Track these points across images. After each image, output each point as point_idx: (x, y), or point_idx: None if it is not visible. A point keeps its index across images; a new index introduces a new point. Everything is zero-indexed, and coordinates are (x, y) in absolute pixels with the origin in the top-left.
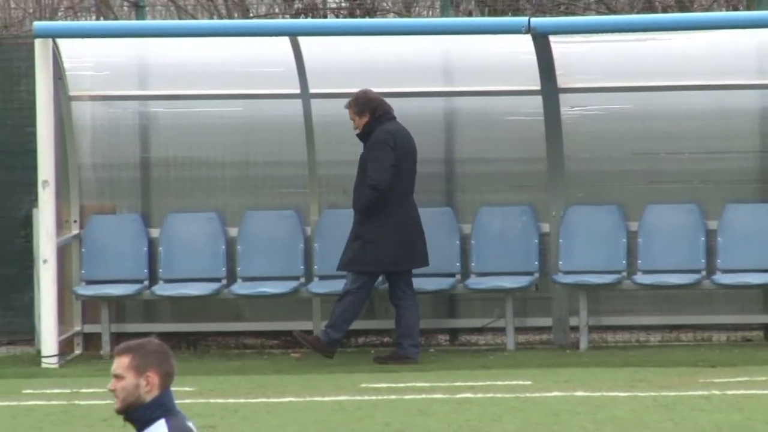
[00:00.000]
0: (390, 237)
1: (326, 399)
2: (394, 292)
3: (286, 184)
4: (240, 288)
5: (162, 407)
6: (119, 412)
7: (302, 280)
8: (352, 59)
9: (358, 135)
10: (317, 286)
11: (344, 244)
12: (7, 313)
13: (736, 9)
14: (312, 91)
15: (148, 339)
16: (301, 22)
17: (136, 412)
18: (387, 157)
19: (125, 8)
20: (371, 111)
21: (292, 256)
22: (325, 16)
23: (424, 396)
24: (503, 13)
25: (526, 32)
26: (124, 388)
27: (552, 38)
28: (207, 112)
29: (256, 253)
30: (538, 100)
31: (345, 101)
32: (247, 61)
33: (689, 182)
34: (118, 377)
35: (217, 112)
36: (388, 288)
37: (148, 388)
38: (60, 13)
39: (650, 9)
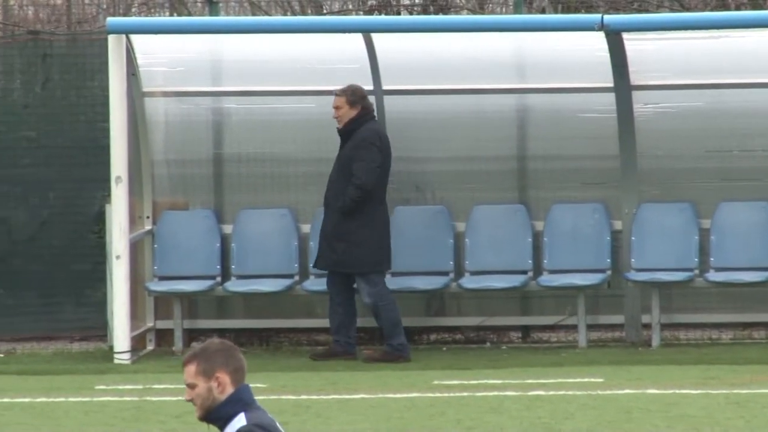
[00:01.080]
0: (379, 237)
1: (398, 396)
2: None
3: None
4: (312, 284)
5: (240, 402)
6: (201, 419)
7: None
8: (425, 56)
9: (339, 130)
10: (390, 283)
11: (420, 240)
12: (80, 309)
13: None
14: (385, 87)
15: (210, 340)
16: (375, 18)
17: (215, 413)
18: (374, 158)
19: (199, 4)
20: (362, 107)
21: None
22: (398, 13)
23: (495, 393)
24: (576, 11)
25: (599, 29)
26: (199, 395)
27: (625, 35)
28: (280, 109)
29: None
30: (611, 97)
31: (417, 98)
32: (321, 58)
33: (762, 180)
34: (190, 386)
35: (289, 109)
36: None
37: (221, 389)
38: (134, 9)
39: (723, 6)
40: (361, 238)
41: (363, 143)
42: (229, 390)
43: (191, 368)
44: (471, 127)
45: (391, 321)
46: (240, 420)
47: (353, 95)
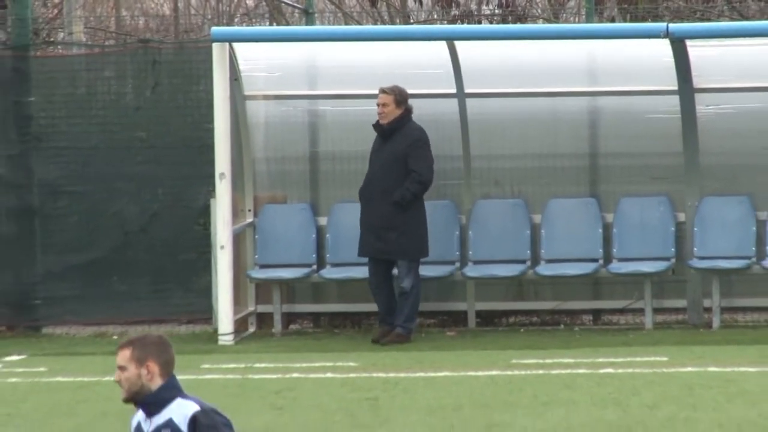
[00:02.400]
0: (424, 227)
1: (479, 374)
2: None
3: (442, 176)
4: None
5: (175, 388)
6: (126, 400)
7: (457, 264)
8: (504, 62)
9: (382, 126)
10: (471, 270)
11: (500, 231)
12: (187, 295)
13: None
14: (467, 91)
15: (148, 333)
16: (458, 27)
17: (146, 398)
18: (430, 155)
19: (296, 15)
20: (405, 108)
21: (447, 243)
22: (479, 22)
23: (569, 371)
24: (643, 20)
25: (665, 37)
26: (128, 378)
27: (688, 42)
28: (370, 111)
29: None
30: (676, 99)
31: (497, 100)
32: (408, 64)
33: None
34: (121, 368)
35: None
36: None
37: (149, 377)
38: (236, 20)
39: None
40: (410, 228)
41: (418, 142)
42: (158, 380)
43: (126, 353)
44: (546, 126)
45: (416, 306)
46: (185, 405)
47: (400, 95)
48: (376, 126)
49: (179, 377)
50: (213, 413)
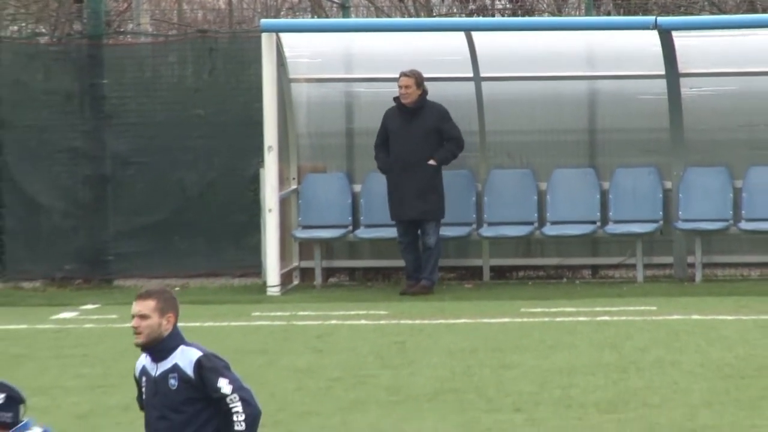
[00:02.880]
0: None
1: (493, 321)
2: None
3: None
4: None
5: (179, 337)
6: (141, 345)
7: (474, 225)
8: (515, 50)
9: (406, 105)
10: (486, 231)
11: (511, 197)
12: (239, 252)
13: None
14: (482, 75)
15: (165, 287)
16: (475, 20)
17: (158, 345)
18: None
19: (334, 8)
20: (423, 89)
21: (465, 207)
22: (493, 15)
23: (571, 319)
24: (635, 13)
25: (653, 28)
26: (149, 326)
27: (674, 33)
28: (397, 92)
29: None
30: (663, 83)
31: (508, 83)
32: (430, 51)
33: None
34: (143, 317)
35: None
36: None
37: (168, 327)
38: (282, 12)
39: (752, 10)
40: (441, 191)
41: (447, 115)
42: (170, 329)
43: (150, 303)
44: (551, 106)
45: (438, 260)
46: (189, 351)
47: (419, 78)
48: (402, 106)
49: (233, 324)
50: (214, 357)
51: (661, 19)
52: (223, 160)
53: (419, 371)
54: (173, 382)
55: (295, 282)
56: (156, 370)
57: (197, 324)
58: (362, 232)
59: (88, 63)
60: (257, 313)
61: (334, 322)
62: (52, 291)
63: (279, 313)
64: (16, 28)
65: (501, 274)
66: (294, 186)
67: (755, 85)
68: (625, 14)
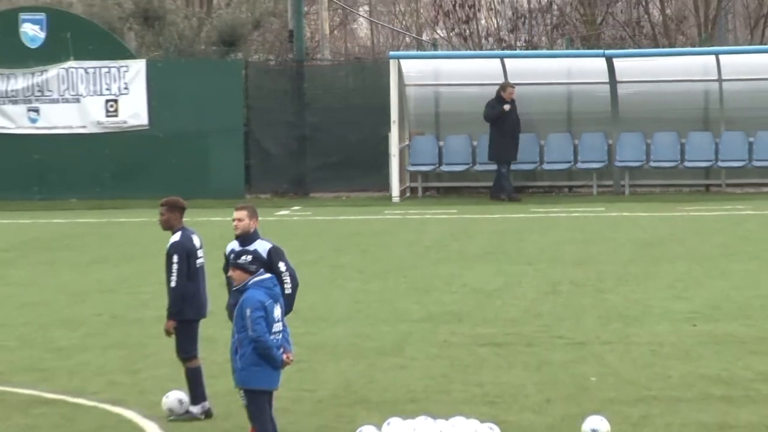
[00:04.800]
0: None
1: (515, 216)
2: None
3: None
4: (477, 168)
5: (257, 234)
6: (238, 236)
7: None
8: (542, 65)
9: (508, 103)
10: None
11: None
12: (378, 177)
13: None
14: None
15: (250, 203)
16: (507, 52)
17: (249, 237)
18: None
19: (429, 45)
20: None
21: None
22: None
23: (556, 215)
24: (594, 47)
25: (603, 56)
26: (245, 225)
27: (614, 60)
28: (470, 93)
29: None
30: (607, 86)
31: (541, 87)
32: (486, 70)
33: (676, 122)
34: (240, 220)
35: (475, 91)
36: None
37: (253, 227)
38: (401, 48)
39: (662, 45)
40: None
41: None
42: (254, 229)
43: (244, 212)
44: (571, 98)
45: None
46: (263, 243)
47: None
48: (511, 102)
49: (374, 217)
50: (280, 249)
51: (607, 51)
52: (369, 127)
53: (475, 242)
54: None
55: (407, 195)
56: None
57: (364, 217)
58: (444, 168)
59: (296, 74)
60: (387, 211)
61: (427, 216)
62: (276, 199)
63: (398, 211)
64: (257, 56)
65: (520, 189)
66: (407, 142)
67: (660, 87)
68: (589, 48)
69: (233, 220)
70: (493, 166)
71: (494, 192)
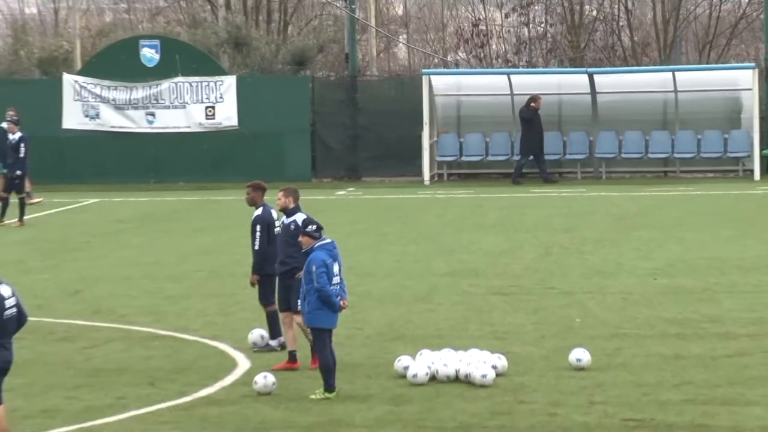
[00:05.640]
0: None
1: (517, 195)
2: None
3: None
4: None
5: (297, 208)
6: (281, 210)
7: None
8: (543, 81)
9: (536, 110)
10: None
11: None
12: (412, 166)
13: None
14: (516, 93)
15: (291, 185)
16: (514, 69)
17: (288, 210)
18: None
19: (453, 66)
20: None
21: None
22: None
23: (548, 195)
24: (579, 66)
25: (585, 73)
26: (283, 203)
27: (596, 75)
28: (488, 100)
29: None
30: (589, 96)
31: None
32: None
33: (641, 125)
34: (280, 199)
35: (501, 99)
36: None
37: (292, 203)
38: (431, 66)
39: (631, 64)
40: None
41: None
42: (292, 205)
43: (282, 193)
44: (560, 105)
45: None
46: (301, 215)
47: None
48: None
49: (409, 197)
50: (312, 218)
51: (589, 69)
52: (406, 127)
53: (488, 215)
54: (293, 227)
55: (435, 179)
56: (286, 219)
57: (402, 196)
58: (463, 158)
59: (351, 87)
60: (420, 192)
61: (451, 195)
62: (335, 183)
63: (428, 192)
64: (321, 73)
65: (523, 175)
66: (435, 139)
67: (629, 96)
68: (575, 67)
69: (279, 198)
70: (504, 157)
71: (516, 178)
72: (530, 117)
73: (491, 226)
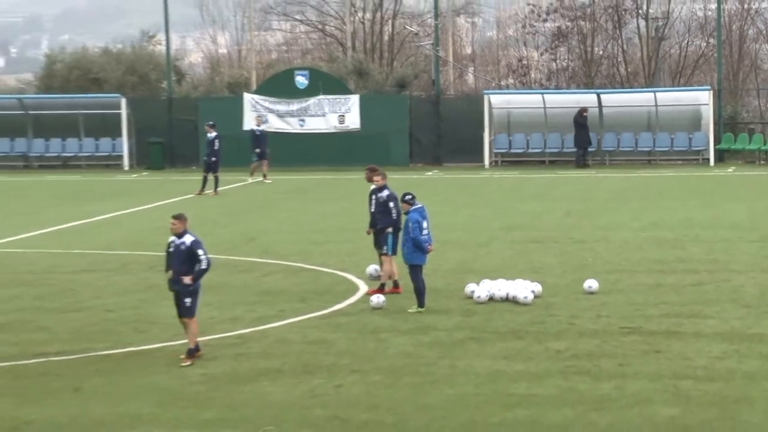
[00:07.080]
0: None
1: (532, 176)
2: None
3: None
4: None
5: (187, 232)
6: (175, 234)
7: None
8: (557, 98)
9: (586, 117)
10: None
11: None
12: (474, 155)
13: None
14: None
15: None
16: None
17: (179, 234)
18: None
19: (503, 85)
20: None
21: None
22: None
23: (557, 177)
24: (588, 88)
25: (594, 93)
26: (176, 228)
27: (602, 95)
28: (533, 110)
29: None
30: (596, 109)
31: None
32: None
33: (633, 125)
34: (173, 224)
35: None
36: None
37: (184, 228)
38: (490, 88)
39: (625, 84)
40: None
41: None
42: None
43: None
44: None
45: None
46: (386, 191)
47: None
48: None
49: (474, 176)
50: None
51: (597, 90)
52: (473, 130)
53: (528, 189)
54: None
55: (492, 164)
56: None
57: (470, 176)
58: (511, 150)
59: (436, 102)
60: (482, 173)
61: (504, 176)
62: (424, 167)
63: (488, 173)
64: (416, 93)
65: (553, 162)
66: (492, 137)
67: (625, 109)
68: (588, 89)
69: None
70: (538, 149)
71: (578, 162)
72: (582, 122)
73: (531, 197)
